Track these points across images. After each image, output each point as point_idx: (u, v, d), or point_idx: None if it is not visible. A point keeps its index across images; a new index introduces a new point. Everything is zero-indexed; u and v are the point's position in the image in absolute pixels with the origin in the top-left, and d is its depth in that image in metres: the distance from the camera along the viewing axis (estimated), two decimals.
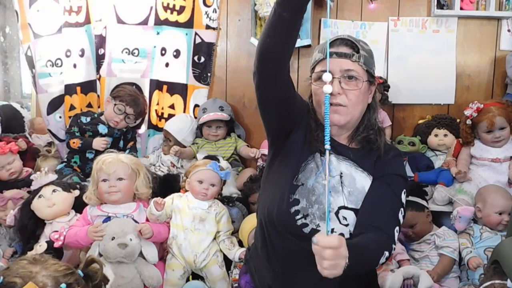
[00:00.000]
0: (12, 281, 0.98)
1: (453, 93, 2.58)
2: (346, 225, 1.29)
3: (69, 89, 2.71)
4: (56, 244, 1.79)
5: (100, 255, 1.75)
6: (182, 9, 2.63)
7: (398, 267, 1.92)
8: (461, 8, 2.49)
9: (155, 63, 2.69)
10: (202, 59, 2.68)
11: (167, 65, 2.68)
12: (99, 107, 2.72)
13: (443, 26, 2.55)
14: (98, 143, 2.45)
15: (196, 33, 2.65)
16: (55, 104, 2.77)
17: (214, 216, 1.93)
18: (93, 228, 1.78)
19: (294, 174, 1.33)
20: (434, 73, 2.57)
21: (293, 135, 1.37)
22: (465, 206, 2.02)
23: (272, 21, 1.16)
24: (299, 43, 2.41)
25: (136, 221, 1.85)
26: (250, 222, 1.97)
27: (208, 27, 2.65)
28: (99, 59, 2.70)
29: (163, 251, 2.00)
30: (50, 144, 2.89)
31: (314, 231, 1.28)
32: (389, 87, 2.51)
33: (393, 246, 1.27)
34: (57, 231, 1.84)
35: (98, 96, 2.73)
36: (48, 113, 2.78)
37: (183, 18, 2.64)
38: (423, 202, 2.09)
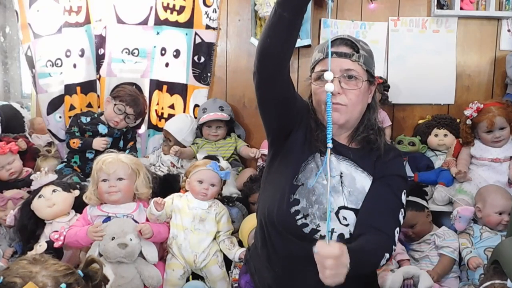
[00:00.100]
0: (12, 281, 0.98)
1: (453, 93, 2.58)
2: (346, 225, 1.29)
3: (69, 89, 2.71)
4: (56, 244, 1.79)
5: (100, 255, 1.75)
6: (182, 9, 2.63)
7: (398, 267, 1.92)
8: (461, 8, 2.49)
9: (155, 63, 2.69)
10: (202, 59, 2.68)
11: (167, 65, 2.68)
12: (99, 107, 2.72)
13: (443, 26, 2.55)
14: (98, 143, 2.45)
15: (196, 33, 2.65)
16: (55, 104, 2.77)
17: (214, 216, 1.93)
18: (93, 228, 1.78)
19: (294, 174, 1.33)
20: (434, 73, 2.57)
21: (293, 135, 1.37)
22: (465, 206, 2.02)
23: (272, 21, 1.16)
24: (299, 43, 2.41)
25: (136, 221, 1.85)
26: (250, 222, 1.97)
27: (208, 27, 2.65)
28: (99, 59, 2.70)
29: (163, 251, 2.00)
30: (50, 144, 2.89)
31: (314, 231, 1.28)
32: (389, 87, 2.51)
33: (394, 247, 1.28)
34: (57, 231, 1.84)
35: (98, 96, 2.73)
36: (48, 113, 2.78)
37: (183, 18, 2.64)
38: (423, 202, 2.09)
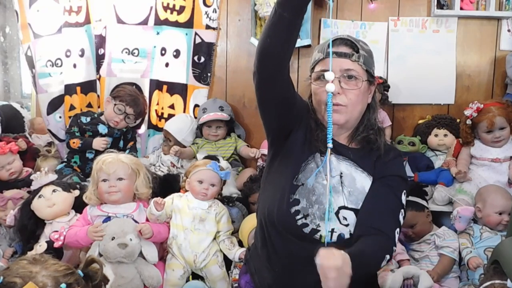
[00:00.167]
0: (12, 281, 0.98)
1: (453, 93, 2.58)
2: (346, 225, 1.29)
3: (69, 89, 2.71)
4: (56, 244, 1.79)
5: (100, 255, 1.75)
6: (182, 9, 2.63)
7: (398, 267, 1.92)
8: (461, 8, 2.48)
9: (155, 63, 2.68)
10: (202, 59, 2.67)
11: (167, 65, 2.68)
12: (99, 107, 2.72)
13: (443, 26, 2.55)
14: (98, 143, 2.45)
15: (196, 33, 2.65)
16: (55, 104, 2.77)
17: (214, 216, 1.93)
18: (93, 228, 1.78)
19: (294, 174, 1.33)
20: (434, 73, 2.57)
21: (293, 135, 1.37)
22: (465, 206, 2.02)
23: (272, 21, 1.16)
24: (299, 43, 2.41)
25: (136, 221, 1.85)
26: (250, 222, 1.97)
27: (208, 27, 2.65)
28: (99, 59, 2.69)
29: (163, 251, 2.00)
30: (50, 144, 2.89)
31: (314, 231, 1.28)
32: (389, 87, 2.51)
33: (394, 248, 1.28)
34: (57, 231, 1.84)
35: (98, 96, 2.73)
36: (48, 113, 2.78)
37: (183, 18, 2.64)
38: (423, 202, 2.09)
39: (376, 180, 1.35)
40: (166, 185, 2.17)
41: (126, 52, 2.67)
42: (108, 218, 1.85)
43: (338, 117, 1.30)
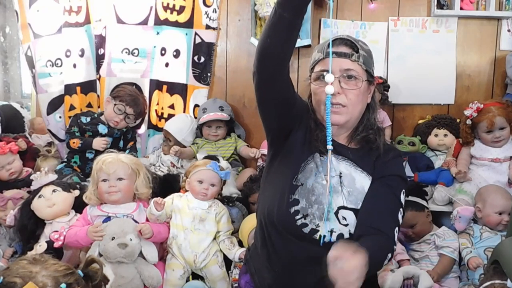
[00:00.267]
0: (12, 281, 0.98)
1: (453, 93, 2.58)
2: (346, 225, 1.29)
3: (69, 89, 2.71)
4: (56, 244, 1.79)
5: (100, 255, 1.75)
6: (182, 9, 2.63)
7: (398, 267, 1.92)
8: (461, 8, 2.48)
9: (155, 63, 2.68)
10: (202, 59, 2.67)
11: (167, 65, 2.68)
12: (99, 107, 2.72)
13: (443, 26, 2.55)
14: (98, 143, 2.45)
15: (196, 33, 2.65)
16: (55, 104, 2.77)
17: (214, 216, 1.93)
18: (93, 228, 1.78)
19: (294, 174, 1.33)
20: (434, 73, 2.57)
21: (293, 135, 1.37)
22: (465, 206, 2.02)
23: (272, 21, 1.16)
24: (299, 43, 2.41)
25: (136, 221, 1.85)
26: (250, 222, 1.97)
27: (208, 27, 2.65)
28: (99, 59, 2.70)
29: (163, 251, 2.00)
30: (50, 144, 2.89)
31: (314, 231, 1.28)
32: (389, 87, 2.51)
33: (394, 247, 1.28)
34: (57, 231, 1.84)
35: (98, 96, 2.73)
36: (48, 113, 2.78)
37: (183, 18, 2.64)
38: (423, 202, 2.09)
39: (375, 180, 1.35)
40: (166, 185, 2.17)
41: (126, 52, 2.67)
42: (108, 218, 1.85)
43: (338, 117, 1.30)
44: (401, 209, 1.33)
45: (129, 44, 2.66)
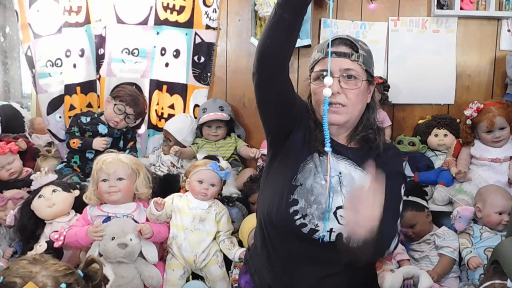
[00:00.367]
0: (12, 281, 0.98)
1: (453, 93, 2.58)
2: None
3: (69, 89, 2.71)
4: (56, 244, 1.79)
5: (100, 255, 1.75)
6: (182, 9, 2.63)
7: (398, 267, 1.92)
8: (461, 8, 2.48)
9: (155, 63, 2.69)
10: (202, 59, 2.68)
11: (167, 65, 2.68)
12: (99, 107, 2.72)
13: (443, 26, 2.55)
14: (98, 143, 2.45)
15: (196, 33, 2.65)
16: (55, 104, 2.77)
17: (214, 216, 1.94)
18: (93, 228, 1.78)
19: (293, 175, 1.33)
20: (434, 73, 2.57)
21: (292, 135, 1.37)
22: (465, 206, 2.02)
23: (272, 22, 1.16)
24: (299, 43, 2.41)
25: (136, 221, 1.85)
26: (250, 222, 1.97)
27: (208, 27, 2.65)
28: (99, 59, 2.70)
29: (163, 251, 2.00)
30: (50, 144, 2.89)
31: (313, 231, 1.28)
32: (389, 87, 2.51)
33: (398, 235, 1.30)
34: (57, 231, 1.84)
35: (98, 96, 2.73)
36: (48, 113, 2.78)
37: (183, 18, 2.64)
38: (423, 202, 2.09)
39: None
40: (166, 185, 2.17)
41: (126, 52, 2.67)
42: (108, 218, 1.85)
43: (337, 117, 1.30)
44: (401, 202, 1.34)
45: (129, 44, 2.66)
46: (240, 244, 2.00)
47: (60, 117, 2.77)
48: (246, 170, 2.52)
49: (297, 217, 1.29)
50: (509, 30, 2.51)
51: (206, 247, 1.91)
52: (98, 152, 2.38)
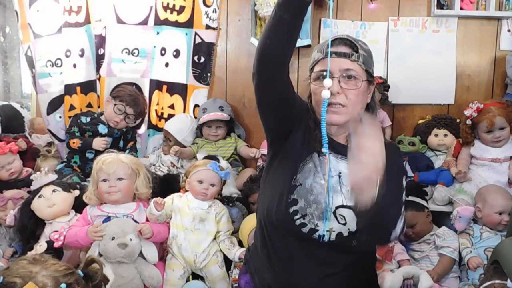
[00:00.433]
0: (12, 281, 0.98)
1: (453, 93, 2.58)
2: (344, 224, 1.29)
3: (69, 89, 2.71)
4: (56, 244, 1.79)
5: (100, 255, 1.75)
6: (182, 9, 2.63)
7: (398, 267, 1.92)
8: (461, 8, 2.48)
9: (155, 63, 2.69)
10: (202, 59, 2.68)
11: (167, 65, 2.68)
12: (99, 107, 2.72)
13: (443, 26, 2.55)
14: (98, 143, 2.45)
15: (196, 33, 2.65)
16: (55, 104, 2.77)
17: (214, 216, 1.94)
18: (93, 228, 1.78)
19: (293, 175, 1.33)
20: (434, 73, 2.57)
21: (292, 135, 1.37)
22: (465, 206, 2.02)
23: (272, 22, 1.15)
24: (299, 43, 2.41)
25: (136, 221, 1.85)
26: (250, 222, 1.97)
27: (208, 27, 2.65)
28: (99, 59, 2.70)
29: (163, 251, 2.00)
30: (50, 144, 2.89)
31: (313, 230, 1.29)
32: (389, 87, 2.51)
33: (403, 220, 1.30)
34: (57, 231, 1.84)
35: (98, 96, 2.73)
36: (48, 113, 2.78)
37: (183, 18, 2.64)
38: (423, 202, 2.09)
39: None
40: (166, 185, 2.17)
41: (126, 52, 2.67)
42: (108, 218, 1.85)
43: (338, 118, 1.30)
44: (404, 192, 1.34)
45: (129, 44, 2.66)
46: (240, 244, 2.00)
47: (60, 117, 2.77)
48: (246, 170, 2.52)
49: (296, 217, 1.29)
50: (509, 30, 2.51)
51: (206, 247, 1.91)
52: (98, 152, 2.38)
